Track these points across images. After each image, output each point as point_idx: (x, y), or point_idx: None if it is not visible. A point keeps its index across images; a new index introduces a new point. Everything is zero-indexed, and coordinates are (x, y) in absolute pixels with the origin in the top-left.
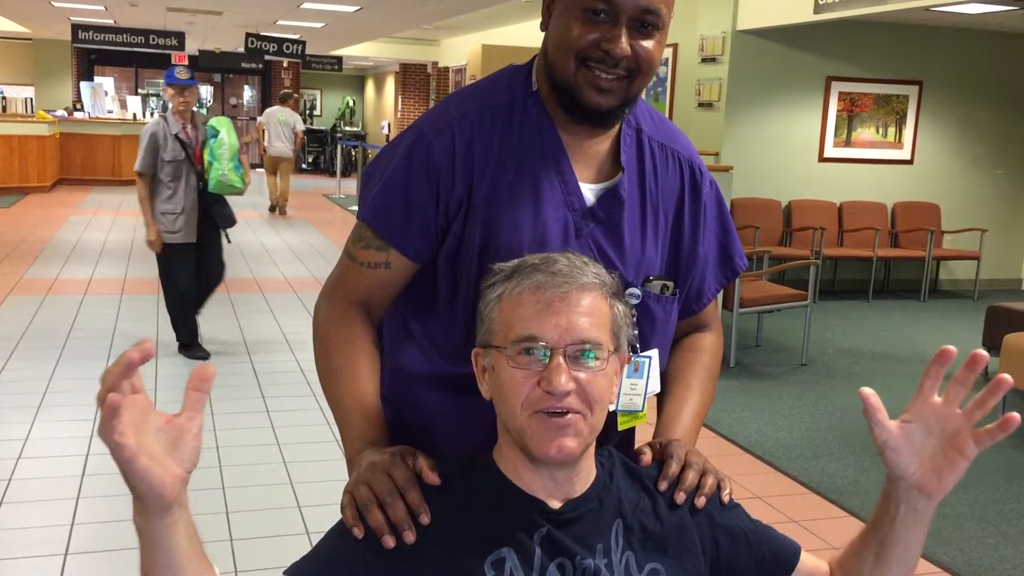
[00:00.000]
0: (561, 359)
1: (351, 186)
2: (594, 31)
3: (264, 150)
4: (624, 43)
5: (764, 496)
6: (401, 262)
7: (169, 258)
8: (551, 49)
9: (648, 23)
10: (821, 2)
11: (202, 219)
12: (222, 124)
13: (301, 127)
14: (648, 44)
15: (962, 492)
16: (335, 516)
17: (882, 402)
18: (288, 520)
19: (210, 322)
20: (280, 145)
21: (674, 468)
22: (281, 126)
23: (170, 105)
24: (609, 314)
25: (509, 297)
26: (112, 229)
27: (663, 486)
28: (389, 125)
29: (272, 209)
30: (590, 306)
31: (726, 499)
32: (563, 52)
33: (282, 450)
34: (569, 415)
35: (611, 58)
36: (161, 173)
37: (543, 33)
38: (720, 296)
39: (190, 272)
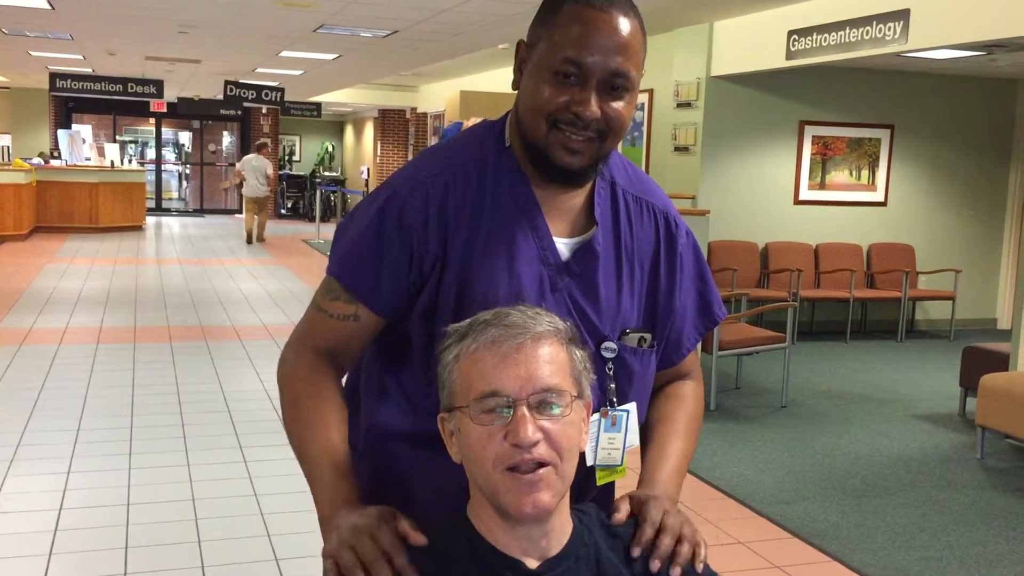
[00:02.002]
0: (525, 410)
1: (330, 231)
2: (564, 93)
3: (242, 193)
4: (594, 105)
5: (746, 541)
6: (370, 316)
7: None
8: (522, 110)
9: (618, 85)
10: (793, 48)
11: None
12: None
13: (271, 171)
14: (618, 105)
15: (942, 535)
16: (312, 568)
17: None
18: (265, 573)
19: (187, 370)
20: (255, 186)
21: (648, 534)
22: (255, 171)
23: None
24: (568, 360)
25: (466, 356)
26: (88, 277)
27: (636, 552)
28: (368, 170)
29: (248, 240)
30: (548, 354)
31: (700, 567)
32: (534, 114)
33: (259, 501)
34: (540, 470)
35: (581, 120)
36: None
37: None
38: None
39: None
